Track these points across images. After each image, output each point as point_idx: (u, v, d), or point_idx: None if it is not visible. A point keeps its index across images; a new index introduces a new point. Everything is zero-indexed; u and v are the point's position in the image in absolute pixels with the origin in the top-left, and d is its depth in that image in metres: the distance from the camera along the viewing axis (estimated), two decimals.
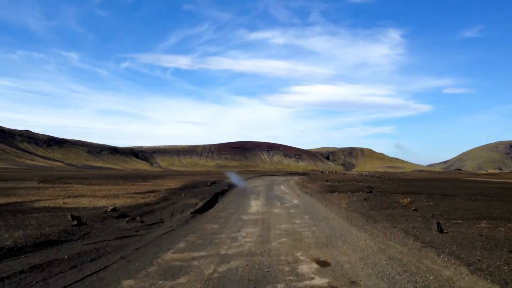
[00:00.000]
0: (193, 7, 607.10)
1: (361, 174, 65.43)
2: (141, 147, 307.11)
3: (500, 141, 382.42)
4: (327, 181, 40.01)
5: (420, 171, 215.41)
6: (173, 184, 36.23)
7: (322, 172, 73.44)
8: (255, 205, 20.05)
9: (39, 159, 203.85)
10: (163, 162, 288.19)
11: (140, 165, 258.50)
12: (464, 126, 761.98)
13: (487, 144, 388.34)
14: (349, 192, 25.21)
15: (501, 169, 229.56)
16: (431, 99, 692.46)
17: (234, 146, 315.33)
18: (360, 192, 24.98)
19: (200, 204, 19.05)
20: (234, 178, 43.73)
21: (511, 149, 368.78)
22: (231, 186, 34.33)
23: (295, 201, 22.04)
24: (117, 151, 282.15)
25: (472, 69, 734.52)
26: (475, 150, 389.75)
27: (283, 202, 21.73)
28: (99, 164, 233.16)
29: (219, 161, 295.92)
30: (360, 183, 35.90)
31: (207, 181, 39.15)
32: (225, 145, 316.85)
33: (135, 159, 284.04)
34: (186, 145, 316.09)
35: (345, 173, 58.75)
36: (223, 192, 26.92)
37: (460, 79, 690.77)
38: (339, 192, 25.92)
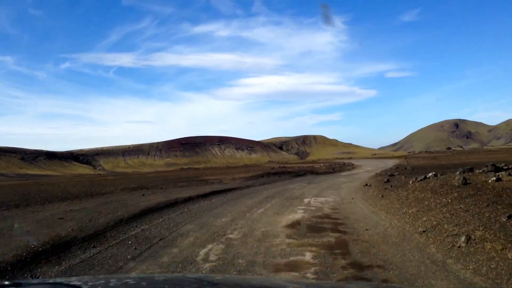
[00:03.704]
0: (133, 2, 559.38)
1: None
2: (82, 150, 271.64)
3: (445, 120, 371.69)
4: None
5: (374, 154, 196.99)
6: None
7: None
8: None
9: None
10: (107, 165, 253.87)
11: (82, 169, 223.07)
12: (409, 108, 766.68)
13: (433, 124, 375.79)
14: None
15: (461, 147, 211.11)
16: (375, 84, 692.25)
17: (183, 142, 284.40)
18: None
19: None
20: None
21: (456, 127, 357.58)
22: None
23: None
24: (55, 156, 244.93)
25: (412, 53, 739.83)
26: (422, 130, 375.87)
27: None
28: (35, 171, 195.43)
29: (168, 159, 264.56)
30: None
31: None
32: (174, 142, 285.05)
33: (76, 163, 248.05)
34: (131, 145, 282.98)
35: None
36: None
37: (401, 63, 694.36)
38: None
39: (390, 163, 62.47)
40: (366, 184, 20.49)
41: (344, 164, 61.33)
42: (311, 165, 61.82)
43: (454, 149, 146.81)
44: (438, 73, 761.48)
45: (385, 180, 18.54)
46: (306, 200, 17.40)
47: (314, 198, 18.07)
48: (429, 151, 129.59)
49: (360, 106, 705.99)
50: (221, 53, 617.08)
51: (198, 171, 62.23)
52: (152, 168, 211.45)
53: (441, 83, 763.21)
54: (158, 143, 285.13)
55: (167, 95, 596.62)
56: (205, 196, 18.38)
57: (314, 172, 41.64)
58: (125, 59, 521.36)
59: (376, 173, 31.21)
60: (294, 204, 15.94)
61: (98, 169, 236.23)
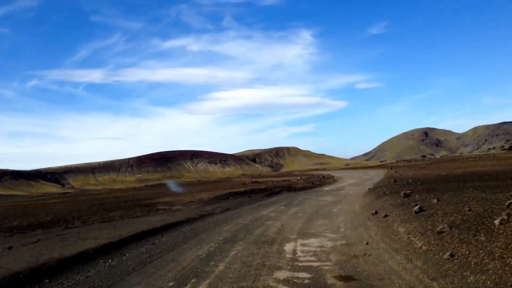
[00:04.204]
0: (101, 18, 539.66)
1: None
2: (50, 168, 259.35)
3: (415, 129, 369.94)
4: None
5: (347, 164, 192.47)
6: None
7: None
8: None
9: None
10: (76, 182, 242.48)
11: (49, 188, 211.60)
12: (380, 118, 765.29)
13: (403, 133, 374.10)
14: None
15: (432, 155, 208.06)
16: (346, 95, 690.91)
17: (155, 158, 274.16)
18: None
19: None
20: None
21: (425, 136, 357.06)
22: None
23: None
24: (21, 175, 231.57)
25: (380, 64, 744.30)
26: (393, 139, 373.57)
27: None
28: (0, 191, 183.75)
29: (140, 175, 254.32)
30: None
31: None
32: (146, 157, 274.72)
33: (44, 182, 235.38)
34: (101, 162, 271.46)
35: None
36: None
37: (370, 74, 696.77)
38: None
39: (374, 174, 55.75)
40: (377, 212, 13.20)
41: (323, 176, 54.06)
42: (286, 178, 54.38)
43: (430, 157, 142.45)
44: (406, 83, 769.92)
45: (415, 208, 11.20)
46: (288, 249, 9.95)
47: (302, 242, 10.69)
48: (407, 160, 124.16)
49: (332, 117, 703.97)
50: (192, 68, 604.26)
51: (160, 189, 54.22)
52: (124, 185, 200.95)
53: (409, 93, 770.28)
54: (129, 159, 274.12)
55: (138, 111, 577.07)
56: (117, 246, 10.64)
57: (291, 188, 34.30)
58: (94, 75, 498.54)
59: (370, 189, 24.11)
60: (268, 263, 8.49)
61: (67, 187, 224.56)
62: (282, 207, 20.74)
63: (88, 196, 54.45)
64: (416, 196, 15.10)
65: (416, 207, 11.05)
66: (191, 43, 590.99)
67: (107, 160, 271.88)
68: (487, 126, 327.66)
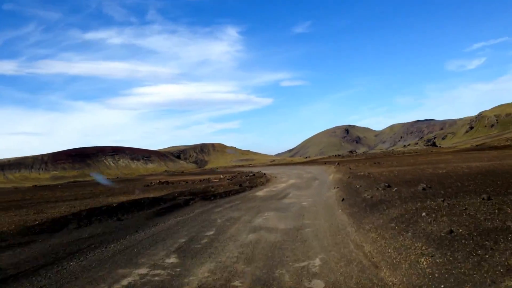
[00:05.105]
0: (15, 7, 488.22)
1: None
2: None
3: (336, 126, 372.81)
4: None
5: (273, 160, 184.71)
6: None
7: None
8: None
9: None
10: None
11: None
12: (304, 115, 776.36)
13: (326, 130, 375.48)
14: None
15: (355, 151, 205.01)
16: (271, 92, 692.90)
17: (73, 154, 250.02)
18: None
19: None
20: None
21: (346, 133, 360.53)
22: None
23: None
24: None
25: (304, 63, 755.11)
26: (316, 136, 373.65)
27: None
28: None
29: (55, 172, 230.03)
30: None
31: None
32: (62, 154, 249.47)
33: None
34: (11, 158, 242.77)
35: None
36: None
37: (295, 72, 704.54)
38: None
39: (314, 170, 44.51)
40: None
41: (253, 174, 41.72)
42: (206, 177, 41.32)
43: (355, 153, 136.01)
44: (329, 82, 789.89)
45: None
46: None
47: None
48: (339, 155, 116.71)
49: (258, 114, 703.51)
50: (114, 61, 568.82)
51: (50, 192, 39.17)
52: (36, 182, 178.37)
53: (332, 91, 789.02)
54: (43, 155, 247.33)
55: (55, 105, 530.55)
56: None
57: (208, 193, 21.55)
58: (6, 67, 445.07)
59: (344, 200, 12.29)
60: None
61: None
62: (169, 260, 8.04)
63: None
64: None
65: None
66: (113, 36, 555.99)
67: (18, 157, 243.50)
68: (403, 124, 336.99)
